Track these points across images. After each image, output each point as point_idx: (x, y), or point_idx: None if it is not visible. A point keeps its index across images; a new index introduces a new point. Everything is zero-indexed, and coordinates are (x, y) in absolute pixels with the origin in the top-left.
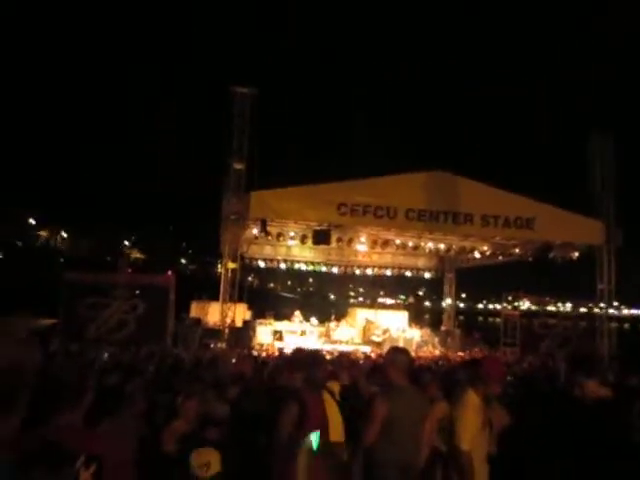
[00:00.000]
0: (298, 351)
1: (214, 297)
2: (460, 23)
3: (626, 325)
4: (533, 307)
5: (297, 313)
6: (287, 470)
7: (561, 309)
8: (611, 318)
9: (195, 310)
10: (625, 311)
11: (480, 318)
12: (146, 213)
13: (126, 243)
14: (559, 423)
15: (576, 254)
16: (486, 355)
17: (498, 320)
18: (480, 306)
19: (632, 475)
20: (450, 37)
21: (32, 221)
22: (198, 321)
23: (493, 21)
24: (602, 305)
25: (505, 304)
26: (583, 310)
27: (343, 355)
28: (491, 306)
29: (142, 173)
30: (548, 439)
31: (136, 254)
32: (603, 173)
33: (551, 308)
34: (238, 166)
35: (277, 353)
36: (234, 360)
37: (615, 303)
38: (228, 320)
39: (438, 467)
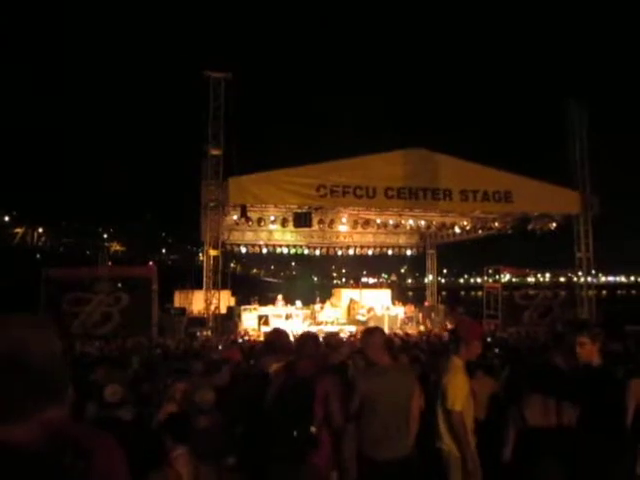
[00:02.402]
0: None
1: (197, 286)
2: None
3: (604, 292)
4: (514, 279)
5: (279, 297)
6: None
7: (541, 280)
8: (590, 286)
9: (179, 299)
10: (603, 278)
11: (462, 292)
12: (123, 204)
13: (105, 236)
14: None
15: (554, 224)
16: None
17: (480, 294)
18: (461, 281)
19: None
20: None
21: (7, 219)
22: (183, 310)
23: None
24: (580, 273)
25: (486, 277)
26: (562, 279)
27: (332, 336)
28: (472, 280)
29: (117, 164)
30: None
31: (116, 247)
32: (579, 142)
33: (531, 279)
34: (215, 152)
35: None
36: (220, 347)
37: (593, 271)
38: (212, 308)
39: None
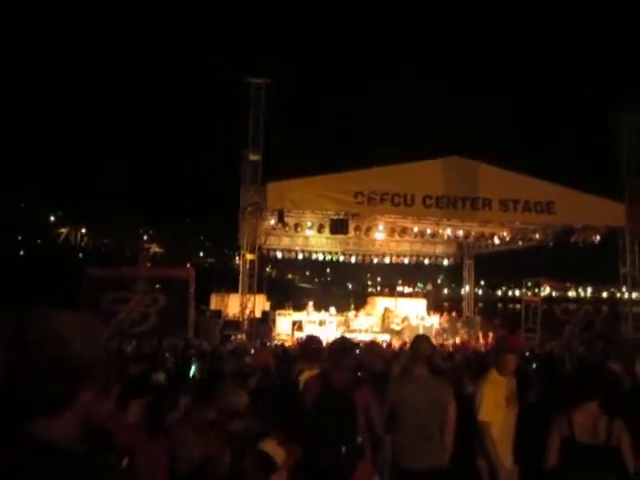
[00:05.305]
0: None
1: (233, 289)
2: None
3: None
4: (554, 293)
5: (310, 303)
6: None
7: (582, 294)
8: (635, 302)
9: (215, 302)
10: None
11: (499, 305)
12: (163, 207)
13: (145, 237)
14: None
15: (598, 237)
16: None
17: (518, 306)
18: (499, 293)
19: None
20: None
21: (52, 218)
22: (219, 313)
23: None
24: (624, 289)
25: (525, 290)
26: (605, 294)
27: (373, 343)
28: (510, 293)
29: (158, 167)
30: None
31: (155, 248)
32: (627, 151)
33: (572, 293)
34: (254, 157)
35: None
36: (253, 351)
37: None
38: (248, 311)
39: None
